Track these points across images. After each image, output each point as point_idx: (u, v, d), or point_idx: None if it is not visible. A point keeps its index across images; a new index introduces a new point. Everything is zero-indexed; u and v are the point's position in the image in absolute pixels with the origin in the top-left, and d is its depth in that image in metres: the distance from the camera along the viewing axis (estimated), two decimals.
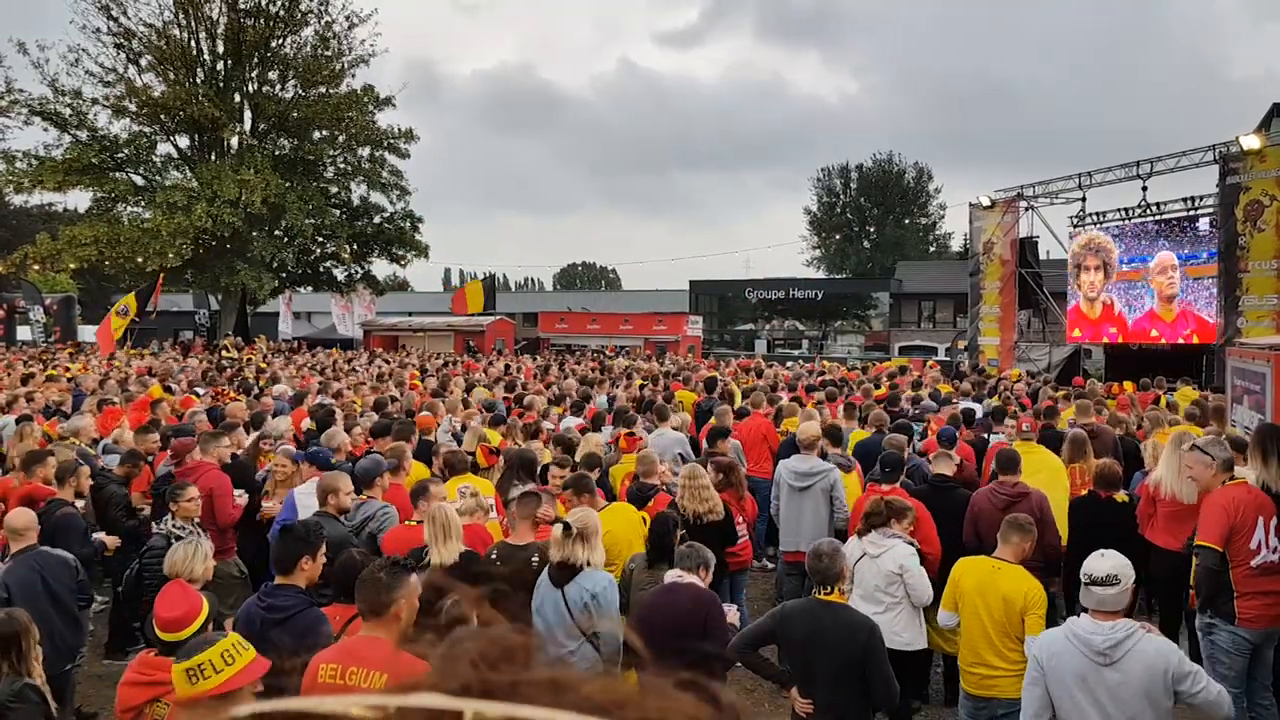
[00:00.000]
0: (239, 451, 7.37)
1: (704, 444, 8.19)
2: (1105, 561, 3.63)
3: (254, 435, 8.10)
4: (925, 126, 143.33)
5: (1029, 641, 4.06)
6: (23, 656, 3.61)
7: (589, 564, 4.39)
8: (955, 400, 11.85)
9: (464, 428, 8.71)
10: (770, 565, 8.51)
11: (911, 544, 5.36)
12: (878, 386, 13.63)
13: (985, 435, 9.10)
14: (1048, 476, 6.70)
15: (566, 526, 4.41)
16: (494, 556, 4.85)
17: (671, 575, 4.38)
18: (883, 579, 5.18)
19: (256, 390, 13.09)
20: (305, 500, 5.90)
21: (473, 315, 37.92)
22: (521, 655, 0.57)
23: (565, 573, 4.36)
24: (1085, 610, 3.65)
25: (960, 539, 5.98)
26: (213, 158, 32.50)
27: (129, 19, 31.71)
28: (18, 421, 8.57)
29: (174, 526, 5.49)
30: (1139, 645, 3.46)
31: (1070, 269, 21.67)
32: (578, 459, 6.95)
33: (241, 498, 6.50)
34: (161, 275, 29.82)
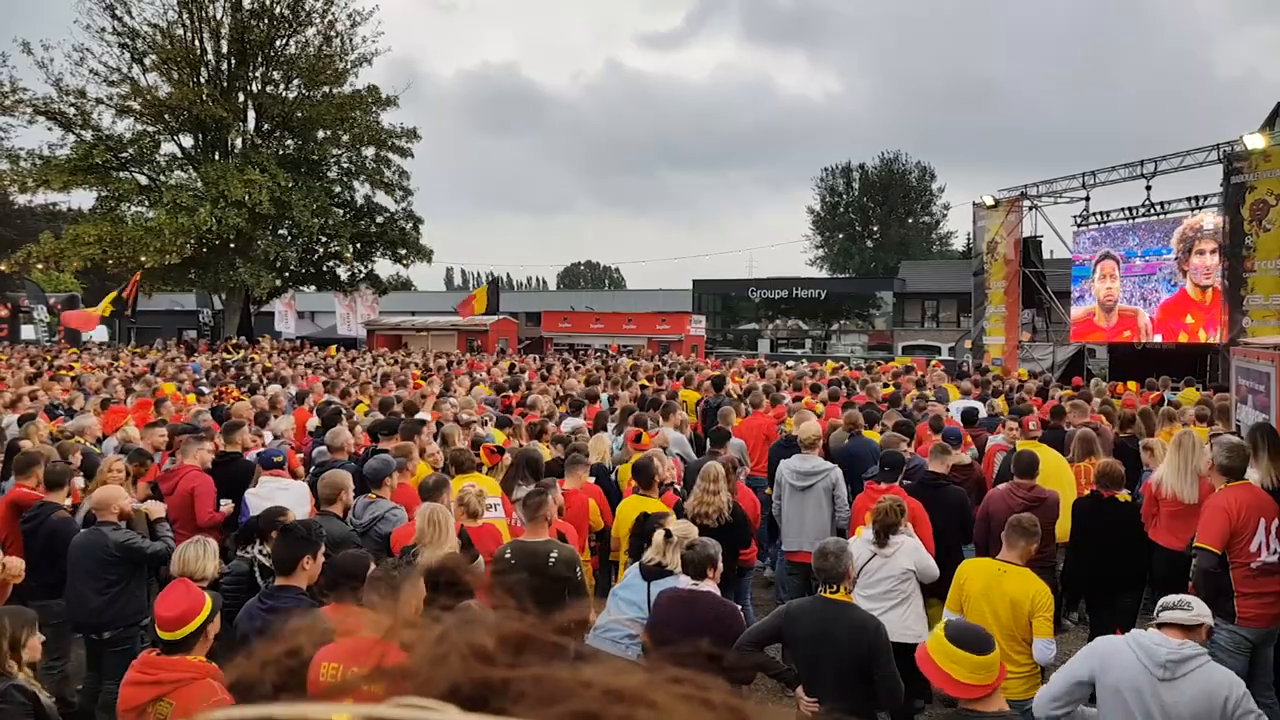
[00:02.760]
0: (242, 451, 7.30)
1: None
2: (1183, 598, 3.69)
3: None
4: (924, 126, 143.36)
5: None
6: (1, 657, 3.52)
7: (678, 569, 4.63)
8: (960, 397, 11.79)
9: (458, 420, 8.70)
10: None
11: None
12: (885, 386, 13.60)
13: (986, 435, 9.07)
14: (1053, 474, 6.70)
15: (668, 533, 4.66)
16: (508, 555, 4.80)
17: (686, 582, 4.38)
18: (897, 575, 5.16)
19: (262, 390, 13.08)
20: (256, 502, 5.83)
21: (476, 316, 37.93)
22: (522, 647, 0.51)
23: (657, 571, 4.59)
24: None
25: (946, 535, 5.98)
26: (217, 157, 32.56)
27: (133, 19, 31.82)
28: (20, 422, 8.58)
29: (260, 554, 4.81)
30: (1203, 669, 3.39)
31: (1177, 254, 19.48)
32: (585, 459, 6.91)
33: (227, 506, 6.29)
34: (138, 273, 29.95)
